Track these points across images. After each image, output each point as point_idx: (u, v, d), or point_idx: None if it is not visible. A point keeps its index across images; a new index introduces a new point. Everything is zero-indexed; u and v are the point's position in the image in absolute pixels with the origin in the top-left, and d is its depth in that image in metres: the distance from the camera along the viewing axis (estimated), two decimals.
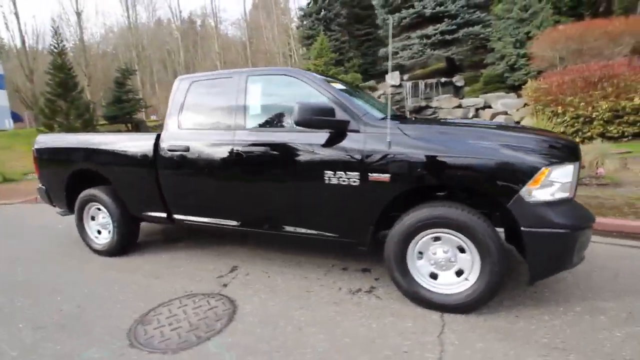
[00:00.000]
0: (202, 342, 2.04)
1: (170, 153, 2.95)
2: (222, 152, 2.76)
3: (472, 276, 2.16)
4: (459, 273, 2.22)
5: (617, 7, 15.74)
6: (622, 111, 6.75)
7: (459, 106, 12.83)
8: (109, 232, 3.48)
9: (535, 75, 11.41)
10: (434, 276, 2.28)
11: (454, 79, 14.47)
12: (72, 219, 3.97)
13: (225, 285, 2.77)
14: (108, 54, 32.55)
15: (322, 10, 18.93)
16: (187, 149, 2.87)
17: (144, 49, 32.54)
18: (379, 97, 15.30)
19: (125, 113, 19.34)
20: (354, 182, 2.31)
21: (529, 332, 2.01)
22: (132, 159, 3.13)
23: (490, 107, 12.06)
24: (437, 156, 2.12)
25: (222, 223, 2.92)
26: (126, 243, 3.46)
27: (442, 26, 14.13)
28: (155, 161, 3.02)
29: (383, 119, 2.41)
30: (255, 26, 36.54)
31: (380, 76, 18.55)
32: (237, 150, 2.68)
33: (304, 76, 2.62)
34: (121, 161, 3.19)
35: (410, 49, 15.14)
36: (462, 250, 2.18)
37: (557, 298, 2.33)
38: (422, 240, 2.24)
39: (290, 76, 2.66)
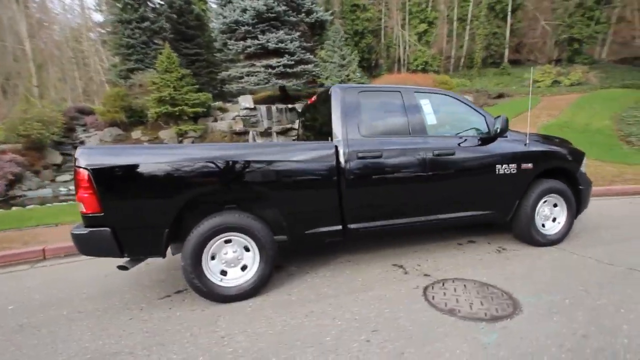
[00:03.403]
0: (518, 302, 2.52)
1: (359, 160, 2.91)
2: (413, 156, 3.08)
3: (563, 220, 3.72)
4: (554, 220, 3.73)
5: (384, 64, 23.52)
6: None
7: None
8: (244, 268, 2.77)
9: None
10: (543, 226, 3.69)
11: (296, 106, 16.70)
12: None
13: (427, 275, 3.07)
14: None
15: (144, 20, 16.92)
16: (380, 155, 2.96)
17: None
18: (233, 118, 15.42)
19: None
20: (513, 171, 3.39)
21: (596, 247, 3.75)
22: (311, 170, 2.77)
23: None
24: (553, 151, 3.58)
25: (406, 222, 3.16)
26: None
27: (283, 60, 16.12)
28: (337, 170, 2.86)
29: None
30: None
31: (220, 97, 18.51)
32: (428, 154, 3.12)
33: (459, 97, 3.44)
34: (295, 174, 2.73)
35: (256, 75, 16.25)
36: (556, 205, 3.71)
37: (578, 224, 4.24)
38: (540, 203, 3.61)
39: (450, 96, 3.42)
